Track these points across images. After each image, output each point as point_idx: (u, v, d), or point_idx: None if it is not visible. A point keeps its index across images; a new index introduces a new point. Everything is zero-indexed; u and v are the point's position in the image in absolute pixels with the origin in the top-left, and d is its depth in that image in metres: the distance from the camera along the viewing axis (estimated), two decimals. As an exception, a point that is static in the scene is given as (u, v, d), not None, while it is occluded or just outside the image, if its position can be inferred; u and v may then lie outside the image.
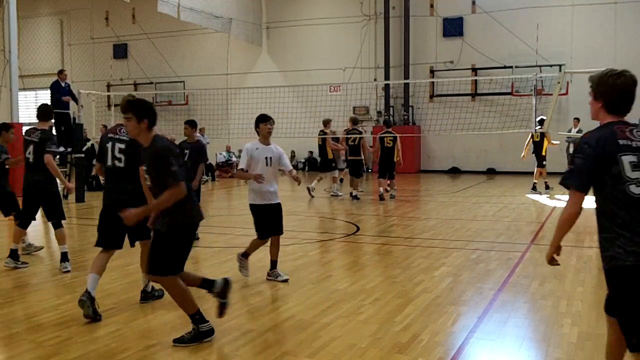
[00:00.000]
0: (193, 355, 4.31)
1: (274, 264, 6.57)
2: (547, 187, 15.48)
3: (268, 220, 6.38)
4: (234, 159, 23.63)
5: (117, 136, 5.42)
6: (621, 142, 3.13)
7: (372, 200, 14.41)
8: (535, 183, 15.56)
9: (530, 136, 15.31)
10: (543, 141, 15.27)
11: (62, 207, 7.32)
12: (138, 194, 5.32)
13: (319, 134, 15.58)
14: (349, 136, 14.55)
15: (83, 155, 14.89)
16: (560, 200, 13.89)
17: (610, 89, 3.21)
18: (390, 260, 7.62)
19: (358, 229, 10.08)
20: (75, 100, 15.09)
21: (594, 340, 4.59)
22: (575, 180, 3.18)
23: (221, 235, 9.64)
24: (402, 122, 22.99)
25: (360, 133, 14.62)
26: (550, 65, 20.86)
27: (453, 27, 23.22)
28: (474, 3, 23.00)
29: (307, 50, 25.58)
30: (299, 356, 4.29)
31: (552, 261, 3.55)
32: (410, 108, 23.70)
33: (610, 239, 3.19)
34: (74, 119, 15.00)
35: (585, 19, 21.41)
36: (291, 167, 6.66)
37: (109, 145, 5.42)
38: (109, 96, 25.47)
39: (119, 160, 5.36)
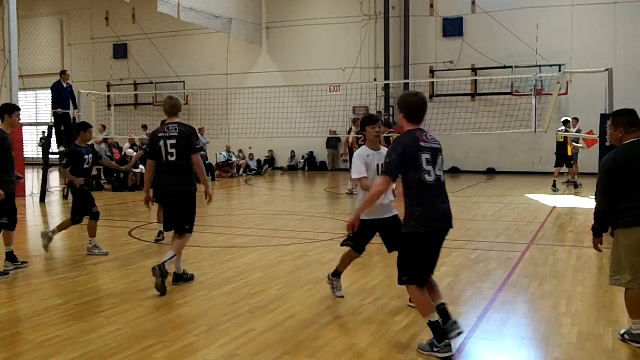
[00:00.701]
0: (192, 354, 4.31)
1: None
2: (576, 186, 16.32)
3: (384, 236, 5.66)
4: (233, 159, 23.64)
5: (167, 134, 6.10)
6: (422, 144, 4.35)
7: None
8: (555, 181, 16.17)
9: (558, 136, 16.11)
10: (567, 142, 15.96)
11: (11, 208, 6.98)
12: (189, 182, 6.18)
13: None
14: (359, 136, 14.68)
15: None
16: (574, 198, 13.90)
17: (407, 105, 4.49)
18: (390, 260, 7.58)
19: (358, 229, 10.08)
20: (75, 104, 15.07)
21: (593, 340, 4.59)
22: (392, 171, 4.36)
23: (221, 235, 9.64)
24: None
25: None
26: (550, 65, 20.85)
27: (453, 27, 23.21)
28: (474, 3, 23.00)
29: (307, 50, 25.58)
30: (299, 356, 4.29)
31: (352, 229, 4.68)
32: (410, 108, 23.68)
33: (411, 212, 4.42)
34: (74, 119, 14.99)
35: (585, 19, 21.40)
36: None
37: (162, 143, 6.10)
38: (109, 96, 25.48)
39: (172, 155, 6.08)
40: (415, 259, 4.39)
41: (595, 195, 4.64)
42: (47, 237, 8.01)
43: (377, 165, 5.45)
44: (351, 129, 16.20)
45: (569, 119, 15.94)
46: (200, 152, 6.35)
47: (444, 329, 4.31)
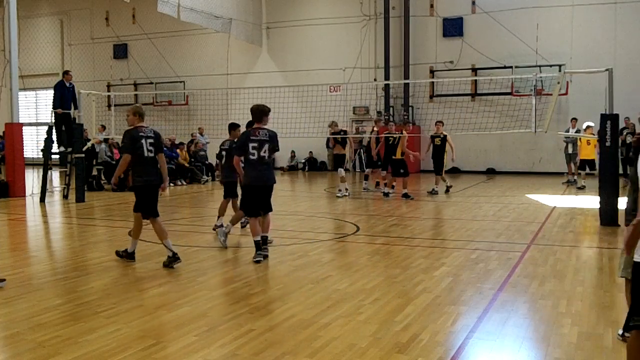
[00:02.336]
0: (192, 355, 4.31)
1: None
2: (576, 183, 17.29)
3: None
4: (234, 159, 23.60)
5: (146, 134, 7.29)
6: (252, 137, 7.42)
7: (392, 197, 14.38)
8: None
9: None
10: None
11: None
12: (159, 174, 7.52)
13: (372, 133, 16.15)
14: (388, 136, 14.69)
15: (83, 155, 14.87)
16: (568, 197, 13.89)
17: (253, 112, 7.60)
18: (390, 260, 7.62)
19: (358, 229, 10.09)
20: (76, 104, 15.07)
21: (593, 340, 4.59)
22: (238, 151, 7.59)
23: (221, 235, 9.63)
24: (402, 122, 22.99)
25: (401, 133, 14.77)
26: (550, 65, 20.86)
27: (453, 27, 23.22)
28: (473, 3, 23.01)
29: (307, 50, 25.58)
30: (299, 356, 4.29)
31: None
32: (410, 108, 23.71)
33: (245, 174, 7.63)
34: (74, 119, 14.99)
35: (585, 19, 21.41)
36: None
37: (143, 141, 7.27)
38: (109, 96, 25.47)
39: (151, 151, 7.30)
40: (249, 200, 7.57)
41: None
42: (223, 233, 8.43)
43: None
44: (373, 128, 16.29)
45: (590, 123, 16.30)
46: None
47: (260, 246, 7.46)
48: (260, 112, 7.53)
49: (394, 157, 14.53)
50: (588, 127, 15.84)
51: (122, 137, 7.47)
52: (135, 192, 7.40)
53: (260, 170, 7.49)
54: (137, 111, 7.43)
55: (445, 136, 15.33)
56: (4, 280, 6.23)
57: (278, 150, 7.69)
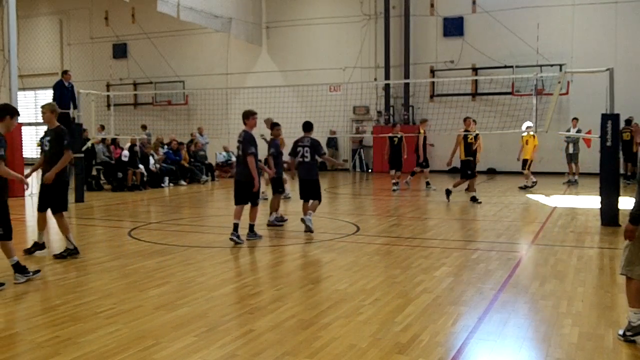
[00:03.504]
0: (192, 355, 4.30)
1: None
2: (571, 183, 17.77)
3: None
4: (233, 158, 23.59)
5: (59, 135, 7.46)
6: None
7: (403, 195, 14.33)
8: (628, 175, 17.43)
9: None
10: (632, 140, 16.89)
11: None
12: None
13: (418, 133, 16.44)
14: (466, 133, 14.27)
15: (82, 155, 14.85)
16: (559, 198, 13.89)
17: (247, 114, 8.77)
18: (391, 260, 7.61)
19: (358, 229, 10.07)
20: (75, 104, 15.05)
21: (594, 340, 4.58)
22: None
23: (221, 235, 9.60)
24: (402, 121, 23.00)
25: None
26: (551, 65, 20.85)
27: (453, 27, 23.20)
28: (474, 3, 22.99)
29: (307, 50, 25.57)
30: (299, 356, 4.28)
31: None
32: (410, 108, 23.70)
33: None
34: (74, 119, 14.97)
35: (585, 18, 21.40)
36: None
37: (42, 139, 7.74)
38: (108, 96, 25.45)
39: (45, 149, 7.64)
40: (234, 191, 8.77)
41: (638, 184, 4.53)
42: (308, 222, 9.26)
43: None
44: (419, 129, 16.71)
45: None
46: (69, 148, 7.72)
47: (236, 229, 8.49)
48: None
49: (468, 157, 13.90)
50: (528, 127, 15.60)
51: (57, 135, 7.51)
52: (63, 189, 7.66)
53: (238, 166, 8.85)
54: (55, 109, 7.60)
55: (477, 134, 14.85)
56: (4, 284, 6.20)
57: (248, 152, 8.40)
